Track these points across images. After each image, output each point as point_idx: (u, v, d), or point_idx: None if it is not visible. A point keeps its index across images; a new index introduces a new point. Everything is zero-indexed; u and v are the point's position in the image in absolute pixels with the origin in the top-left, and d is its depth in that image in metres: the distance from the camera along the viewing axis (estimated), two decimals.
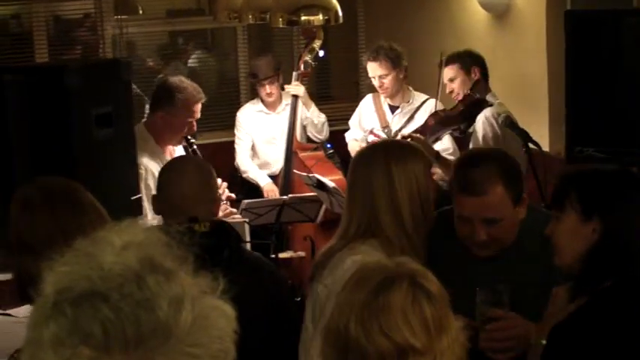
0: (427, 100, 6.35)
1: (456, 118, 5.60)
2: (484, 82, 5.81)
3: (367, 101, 6.66)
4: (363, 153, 3.43)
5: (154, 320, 1.10)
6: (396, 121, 6.39)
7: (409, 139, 5.40)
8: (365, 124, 6.57)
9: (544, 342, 2.77)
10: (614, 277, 2.69)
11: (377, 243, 3.11)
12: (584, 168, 3.42)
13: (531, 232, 3.19)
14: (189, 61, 8.93)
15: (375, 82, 6.36)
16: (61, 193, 2.90)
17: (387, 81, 6.29)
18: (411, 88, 6.48)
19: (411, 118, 6.33)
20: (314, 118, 6.97)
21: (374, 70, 6.31)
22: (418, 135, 5.57)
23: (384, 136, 6.31)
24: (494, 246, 3.20)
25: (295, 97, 6.80)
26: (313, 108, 6.99)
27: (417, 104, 6.37)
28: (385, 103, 6.47)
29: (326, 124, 7.08)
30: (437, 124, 5.61)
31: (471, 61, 5.85)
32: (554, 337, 2.72)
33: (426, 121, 5.76)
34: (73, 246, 1.20)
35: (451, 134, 5.83)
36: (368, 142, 6.23)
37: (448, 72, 5.87)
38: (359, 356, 1.90)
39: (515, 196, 3.17)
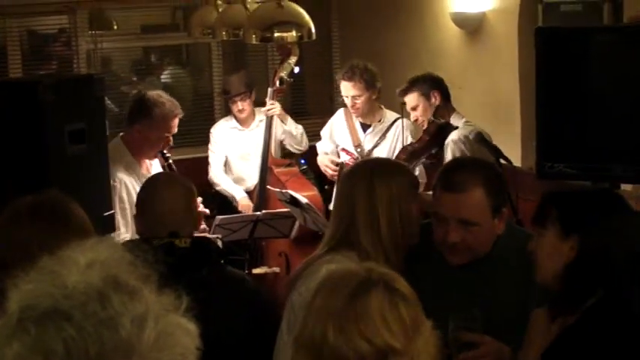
0: (398, 119, 6.37)
1: (424, 150, 5.60)
2: (445, 105, 5.78)
3: (339, 116, 6.65)
4: (351, 167, 3.46)
5: (116, 339, 1.11)
6: (368, 140, 6.40)
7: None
8: (336, 139, 6.58)
9: None
10: (593, 294, 2.71)
11: (354, 255, 3.10)
12: (567, 187, 3.46)
13: (509, 249, 3.20)
14: (164, 76, 8.93)
15: (348, 102, 6.34)
16: (49, 209, 2.90)
17: (360, 102, 6.27)
18: (382, 107, 6.48)
19: (383, 136, 6.35)
20: (292, 130, 6.98)
21: (347, 89, 6.29)
22: None
23: (356, 155, 6.33)
24: (466, 253, 3.17)
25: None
26: (290, 120, 7.00)
27: (388, 123, 6.38)
28: (357, 121, 6.47)
29: (304, 134, 7.09)
30: (407, 158, 5.59)
31: (429, 86, 5.78)
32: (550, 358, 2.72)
33: (396, 157, 5.73)
34: (38, 264, 1.21)
35: (424, 163, 5.82)
36: (340, 159, 6.28)
37: (409, 100, 5.81)
38: None
39: (494, 207, 3.16)
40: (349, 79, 6.25)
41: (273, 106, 6.74)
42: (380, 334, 1.91)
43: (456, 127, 5.55)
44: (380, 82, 6.31)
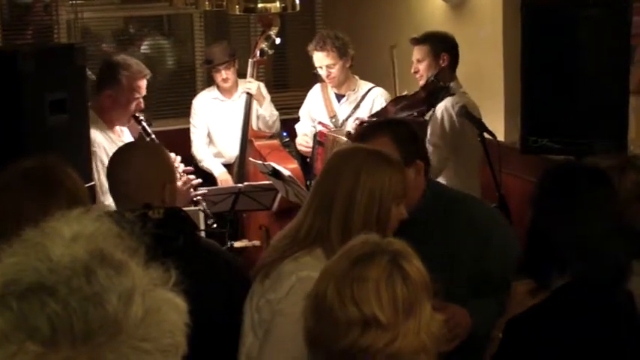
0: (372, 88, 6.37)
1: (416, 104, 5.57)
2: (450, 70, 5.77)
3: (315, 91, 6.65)
4: (347, 149, 3.28)
5: (102, 315, 1.07)
6: (342, 110, 6.40)
7: (364, 124, 5.42)
8: (314, 114, 6.57)
9: (501, 335, 2.83)
10: (560, 274, 2.75)
11: (322, 254, 2.89)
12: (558, 164, 3.54)
13: (431, 211, 3.35)
14: (145, 47, 8.85)
15: (322, 72, 6.34)
16: (31, 175, 2.85)
17: (335, 70, 6.29)
18: (356, 77, 6.48)
19: (357, 106, 6.34)
20: (266, 115, 6.92)
21: (321, 60, 6.29)
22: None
23: (331, 125, 6.32)
24: None
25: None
26: (266, 104, 6.92)
27: (362, 92, 6.39)
28: (332, 92, 6.47)
29: (277, 120, 7.07)
30: (397, 109, 5.58)
31: (442, 47, 5.79)
32: (509, 330, 2.79)
33: (386, 106, 5.74)
34: (21, 236, 1.17)
35: (408, 116, 5.80)
36: (317, 132, 6.27)
37: (417, 51, 5.81)
38: (330, 322, 1.99)
39: (403, 156, 3.24)
40: (321, 49, 6.25)
41: (250, 83, 6.71)
42: (369, 302, 1.96)
43: (453, 94, 5.53)
44: (352, 50, 6.30)
